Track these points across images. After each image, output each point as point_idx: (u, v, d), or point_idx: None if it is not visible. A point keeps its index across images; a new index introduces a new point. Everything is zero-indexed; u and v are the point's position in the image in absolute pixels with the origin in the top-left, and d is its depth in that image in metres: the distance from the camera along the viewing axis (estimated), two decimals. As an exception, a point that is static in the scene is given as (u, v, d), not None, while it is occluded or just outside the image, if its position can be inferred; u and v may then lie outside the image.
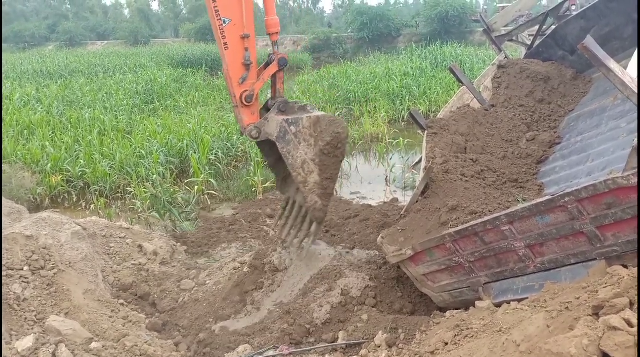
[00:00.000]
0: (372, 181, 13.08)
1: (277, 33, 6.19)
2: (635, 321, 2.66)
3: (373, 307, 5.74)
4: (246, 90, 5.94)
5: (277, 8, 6.50)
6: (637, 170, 3.45)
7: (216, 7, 5.66)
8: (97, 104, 21.19)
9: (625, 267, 3.66)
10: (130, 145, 14.22)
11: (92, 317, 5.81)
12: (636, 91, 3.68)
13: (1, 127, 15.12)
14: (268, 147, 6.49)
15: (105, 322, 5.85)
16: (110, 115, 18.59)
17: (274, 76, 6.23)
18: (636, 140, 3.48)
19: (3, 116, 16.00)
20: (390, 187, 12.46)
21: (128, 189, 12.11)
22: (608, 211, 3.74)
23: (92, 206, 11.55)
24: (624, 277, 3.30)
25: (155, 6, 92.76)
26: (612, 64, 3.73)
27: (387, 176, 13.03)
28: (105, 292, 6.84)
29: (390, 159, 14.27)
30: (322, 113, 6.19)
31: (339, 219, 9.32)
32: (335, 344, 5.20)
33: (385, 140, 15.52)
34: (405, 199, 10.68)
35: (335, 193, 11.99)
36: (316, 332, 5.46)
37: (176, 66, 35.56)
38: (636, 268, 3.38)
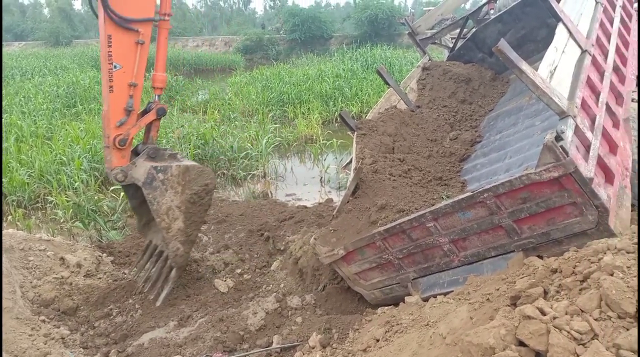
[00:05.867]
0: (307, 182, 13.08)
1: (162, 88, 6.32)
2: (547, 309, 2.79)
3: (307, 310, 5.72)
4: (121, 134, 6.00)
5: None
6: (548, 166, 3.65)
7: (110, 52, 5.84)
8: (13, 108, 19.81)
9: (541, 257, 3.87)
10: (51, 152, 13.39)
11: (9, 336, 5.39)
12: (546, 91, 3.90)
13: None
14: (132, 190, 6.49)
15: (24, 342, 5.45)
16: (28, 120, 17.42)
17: (149, 123, 6.31)
18: (547, 137, 3.67)
19: None
20: (325, 188, 12.53)
21: (49, 198, 11.40)
22: (523, 205, 3.93)
23: (10, 217, 10.79)
24: (538, 267, 3.47)
25: (77, 5, 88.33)
26: (524, 66, 3.91)
27: (321, 177, 13.11)
28: (25, 309, 6.38)
29: (325, 159, 14.36)
30: (192, 163, 6.28)
31: (274, 221, 9.24)
32: (269, 348, 5.14)
33: (320, 141, 15.59)
34: (339, 199, 10.76)
35: (270, 195, 11.91)
36: (250, 339, 5.37)
37: (100, 68, 34.04)
38: (550, 258, 3.57)
